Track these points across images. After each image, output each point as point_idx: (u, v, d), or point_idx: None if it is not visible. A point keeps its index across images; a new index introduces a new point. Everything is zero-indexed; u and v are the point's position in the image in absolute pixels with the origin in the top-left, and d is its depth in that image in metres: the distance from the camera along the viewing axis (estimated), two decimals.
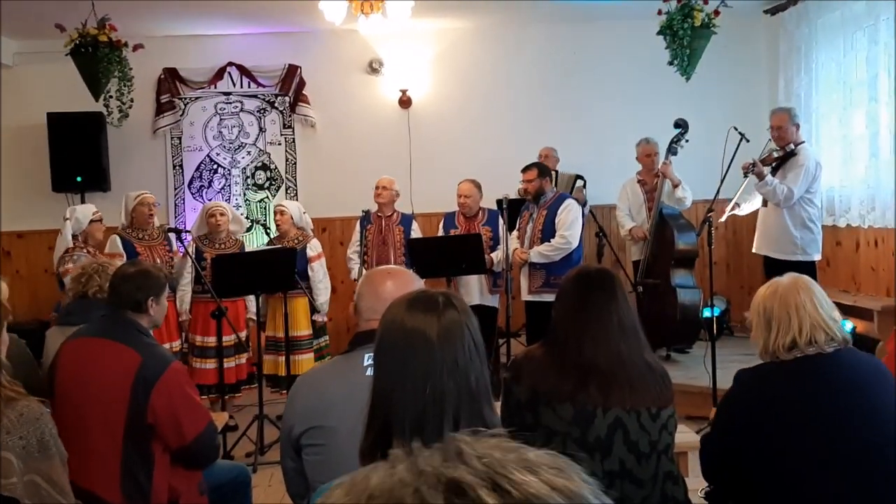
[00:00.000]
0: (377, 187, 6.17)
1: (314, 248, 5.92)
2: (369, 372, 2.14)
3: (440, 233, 6.29)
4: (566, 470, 0.62)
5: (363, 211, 6.16)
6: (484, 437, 0.66)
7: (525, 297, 5.81)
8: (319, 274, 5.88)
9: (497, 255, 5.93)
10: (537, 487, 0.59)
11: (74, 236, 5.43)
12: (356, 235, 6.26)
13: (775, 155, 5.68)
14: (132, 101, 6.61)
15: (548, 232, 5.65)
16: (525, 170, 5.88)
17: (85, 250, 5.35)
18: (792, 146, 5.66)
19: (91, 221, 5.47)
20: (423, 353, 1.47)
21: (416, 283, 2.22)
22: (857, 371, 2.34)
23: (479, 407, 1.48)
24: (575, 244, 5.65)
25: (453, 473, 0.60)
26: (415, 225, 6.30)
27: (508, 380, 2.40)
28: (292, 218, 5.99)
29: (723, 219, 6.12)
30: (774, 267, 5.71)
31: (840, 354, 2.34)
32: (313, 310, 5.88)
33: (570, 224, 5.61)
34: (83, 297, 3.66)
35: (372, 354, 2.14)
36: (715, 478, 2.58)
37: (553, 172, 6.28)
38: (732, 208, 5.98)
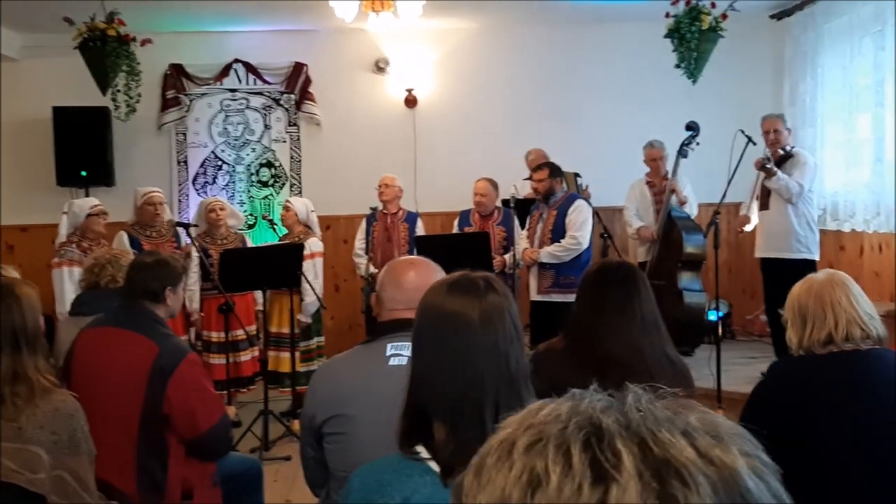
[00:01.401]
0: (379, 185, 6.19)
1: (310, 246, 5.85)
2: (391, 362, 2.15)
3: (455, 230, 6.30)
4: (725, 440, 0.61)
5: (371, 209, 6.17)
6: (664, 394, 0.66)
7: (533, 296, 5.78)
8: (310, 274, 5.74)
9: (510, 257, 5.93)
10: (683, 451, 0.58)
11: (73, 230, 5.41)
12: (361, 233, 6.28)
13: (780, 152, 5.78)
14: (140, 95, 6.61)
15: (558, 232, 5.63)
16: (536, 169, 5.88)
17: (76, 245, 5.31)
18: (788, 147, 5.82)
19: (89, 215, 5.42)
20: (464, 337, 1.47)
21: (438, 274, 2.23)
22: (891, 370, 2.33)
23: (518, 390, 1.49)
24: (585, 245, 5.62)
25: (603, 418, 0.61)
26: (419, 222, 6.31)
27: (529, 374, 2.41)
28: (297, 215, 5.99)
29: (741, 234, 6.21)
30: (776, 268, 5.78)
31: (876, 352, 2.34)
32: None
33: (581, 225, 5.59)
34: (95, 287, 3.66)
35: (395, 344, 2.17)
36: None
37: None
38: (747, 221, 6.08)
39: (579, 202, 5.73)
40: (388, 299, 2.24)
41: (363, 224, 6.29)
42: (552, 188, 5.72)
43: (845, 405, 2.28)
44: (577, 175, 7.07)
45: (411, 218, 6.27)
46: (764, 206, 5.88)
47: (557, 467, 0.58)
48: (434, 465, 1.44)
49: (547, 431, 0.61)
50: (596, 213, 6.39)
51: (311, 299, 5.76)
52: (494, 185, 6.15)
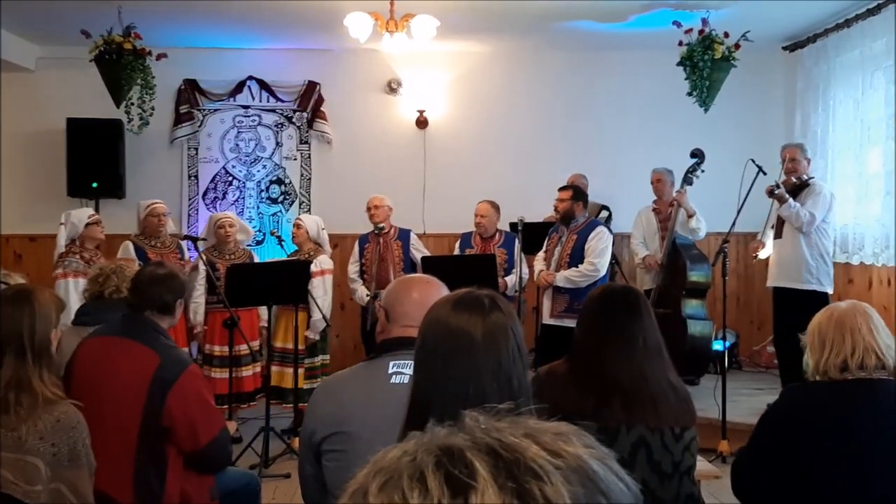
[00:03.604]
0: (369, 207, 6.15)
1: (318, 264, 5.85)
2: (393, 380, 2.13)
3: (456, 251, 6.28)
4: (568, 435, 0.64)
5: (377, 229, 6.13)
6: (499, 413, 0.69)
7: (546, 320, 5.73)
8: (319, 290, 5.75)
9: (511, 280, 5.90)
10: (529, 449, 0.61)
11: (72, 241, 5.43)
12: (354, 256, 6.25)
13: (794, 180, 5.74)
14: (153, 109, 6.67)
15: (576, 257, 5.59)
16: (562, 189, 5.87)
17: (79, 256, 5.33)
18: (805, 177, 5.76)
19: (87, 225, 5.45)
20: (467, 354, 1.47)
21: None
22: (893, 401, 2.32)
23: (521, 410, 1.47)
24: (603, 272, 5.55)
25: (449, 441, 0.63)
26: (413, 238, 6.29)
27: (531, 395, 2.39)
28: (307, 232, 5.99)
29: (756, 259, 6.16)
30: (786, 298, 5.73)
31: (889, 384, 2.32)
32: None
33: (601, 252, 5.53)
34: (99, 297, 3.66)
35: (397, 362, 2.14)
36: (745, 494, 2.55)
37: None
38: (762, 247, 6.02)
39: (601, 229, 5.68)
40: (401, 314, 2.18)
41: (356, 247, 6.27)
42: (572, 210, 5.69)
43: (853, 435, 2.26)
44: (603, 208, 7.06)
45: (404, 235, 6.26)
46: (778, 234, 5.84)
47: (414, 492, 0.59)
48: None
49: (398, 468, 0.62)
50: None
51: (318, 316, 5.76)
52: (496, 207, 6.14)
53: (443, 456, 0.61)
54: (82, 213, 5.59)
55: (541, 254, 5.92)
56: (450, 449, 0.62)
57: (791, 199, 5.60)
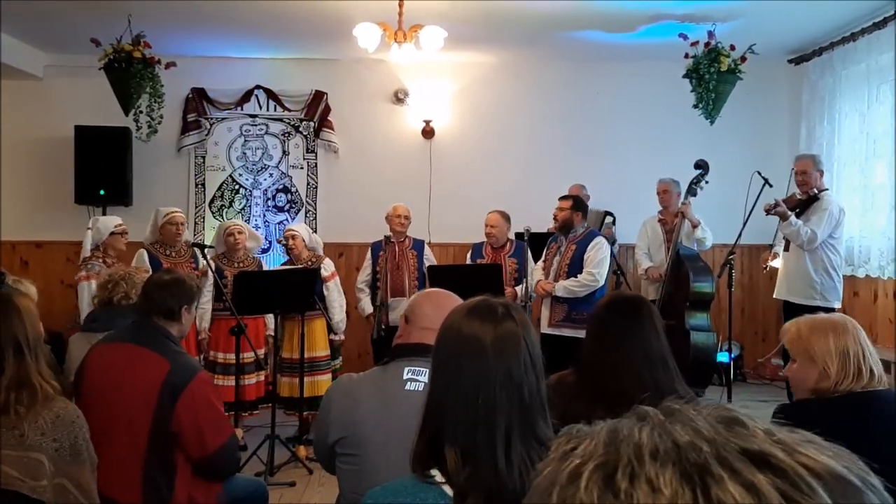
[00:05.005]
0: (398, 216, 6.16)
1: (328, 267, 5.91)
2: (407, 386, 2.13)
3: (468, 261, 6.30)
4: (815, 446, 0.59)
5: (385, 237, 6.14)
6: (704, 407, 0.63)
7: (544, 329, 5.74)
8: (335, 293, 5.86)
9: (520, 290, 5.90)
10: (795, 468, 0.56)
11: (96, 247, 5.48)
12: (367, 263, 6.25)
13: (798, 197, 5.70)
14: (161, 117, 6.70)
15: (574, 266, 5.60)
16: (562, 198, 5.89)
17: (101, 260, 5.39)
18: (815, 191, 5.71)
19: (112, 233, 5.51)
20: (477, 362, 1.46)
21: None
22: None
23: (533, 421, 1.46)
24: (602, 283, 5.56)
25: (701, 460, 0.56)
26: (427, 249, 6.31)
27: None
28: (304, 241, 6.00)
29: (766, 268, 6.14)
30: (793, 312, 5.71)
31: (888, 393, 2.32)
32: (331, 329, 5.88)
33: (599, 262, 5.54)
34: (108, 303, 3.67)
35: (412, 369, 2.15)
36: None
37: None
38: (774, 257, 6.01)
39: (599, 239, 5.69)
40: (421, 316, 2.19)
41: (368, 256, 6.28)
42: (571, 220, 5.70)
43: (851, 443, 2.25)
44: (607, 214, 7.07)
45: (418, 245, 6.28)
46: (786, 247, 5.83)
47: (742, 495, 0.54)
48: (448, 490, 1.43)
49: (687, 456, 0.56)
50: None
51: (339, 317, 5.84)
52: (506, 217, 6.15)
53: (756, 463, 0.56)
54: (109, 221, 5.64)
55: (539, 263, 5.93)
56: (763, 457, 0.56)
57: (792, 217, 5.56)
